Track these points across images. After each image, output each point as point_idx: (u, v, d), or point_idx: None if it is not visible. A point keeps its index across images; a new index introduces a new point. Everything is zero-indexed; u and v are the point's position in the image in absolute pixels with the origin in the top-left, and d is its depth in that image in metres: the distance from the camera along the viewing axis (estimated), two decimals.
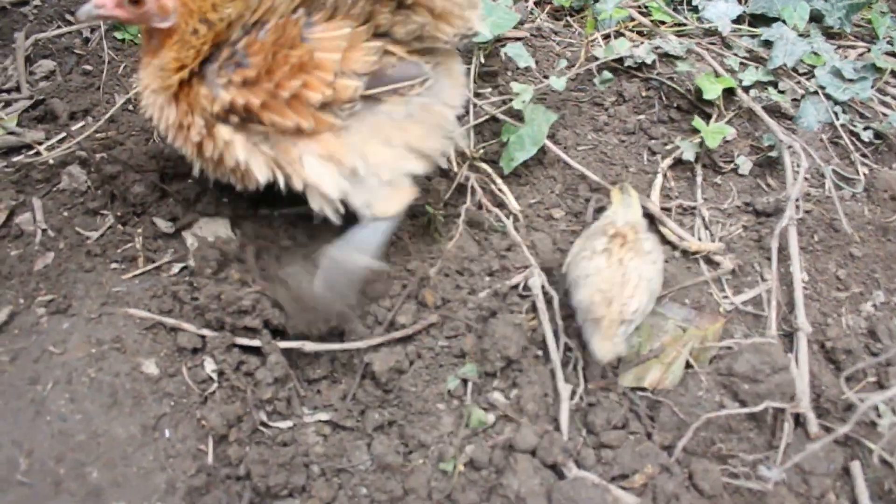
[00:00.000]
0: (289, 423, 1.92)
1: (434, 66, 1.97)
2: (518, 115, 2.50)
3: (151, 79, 1.92)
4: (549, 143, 2.53)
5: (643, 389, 2.03)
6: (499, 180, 2.47)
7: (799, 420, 1.99)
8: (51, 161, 2.38)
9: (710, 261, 2.35)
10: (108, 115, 2.53)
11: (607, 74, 2.75)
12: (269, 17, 1.84)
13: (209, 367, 1.96)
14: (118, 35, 2.93)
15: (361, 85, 1.84)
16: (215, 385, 1.94)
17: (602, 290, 1.95)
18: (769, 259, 2.33)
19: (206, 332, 1.99)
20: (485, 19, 2.07)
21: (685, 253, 2.36)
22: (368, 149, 1.91)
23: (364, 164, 1.90)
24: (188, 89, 1.88)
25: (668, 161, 2.59)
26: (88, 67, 2.79)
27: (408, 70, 1.91)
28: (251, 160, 1.89)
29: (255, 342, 1.98)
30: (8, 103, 2.61)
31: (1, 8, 2.94)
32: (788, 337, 2.18)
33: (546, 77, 2.74)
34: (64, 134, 2.48)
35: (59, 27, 2.94)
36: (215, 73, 1.85)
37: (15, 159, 2.42)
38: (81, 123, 2.56)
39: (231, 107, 1.83)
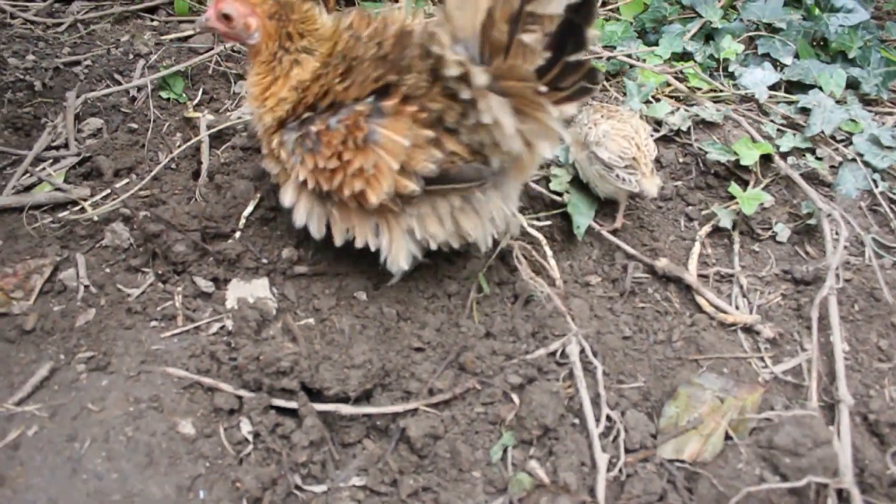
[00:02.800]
0: (323, 488, 1.90)
1: (500, 164, 2.02)
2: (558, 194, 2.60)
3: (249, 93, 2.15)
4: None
5: (681, 461, 1.99)
6: (547, 249, 2.48)
7: (842, 496, 1.94)
8: (95, 218, 2.43)
9: (748, 329, 2.33)
10: (152, 174, 2.58)
11: None
12: (344, 95, 1.97)
13: (245, 428, 1.96)
14: (163, 94, 3.01)
15: (419, 188, 1.95)
16: (251, 447, 1.94)
17: (627, 136, 2.38)
18: (808, 328, 2.30)
19: (243, 392, 2.00)
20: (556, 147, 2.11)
21: (722, 323, 2.33)
22: (425, 223, 2.07)
23: (419, 232, 2.08)
24: (273, 130, 2.10)
25: (707, 228, 2.59)
26: (134, 125, 2.87)
27: (467, 173, 1.99)
28: (309, 220, 2.13)
29: (292, 404, 1.98)
30: (56, 160, 2.68)
31: (55, 68, 3.04)
32: (829, 409, 2.14)
33: None
34: (108, 191, 2.53)
35: (107, 86, 3.04)
36: (292, 142, 2.04)
37: (61, 215, 2.47)
38: (126, 181, 2.61)
39: (303, 182, 2.04)
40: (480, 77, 1.78)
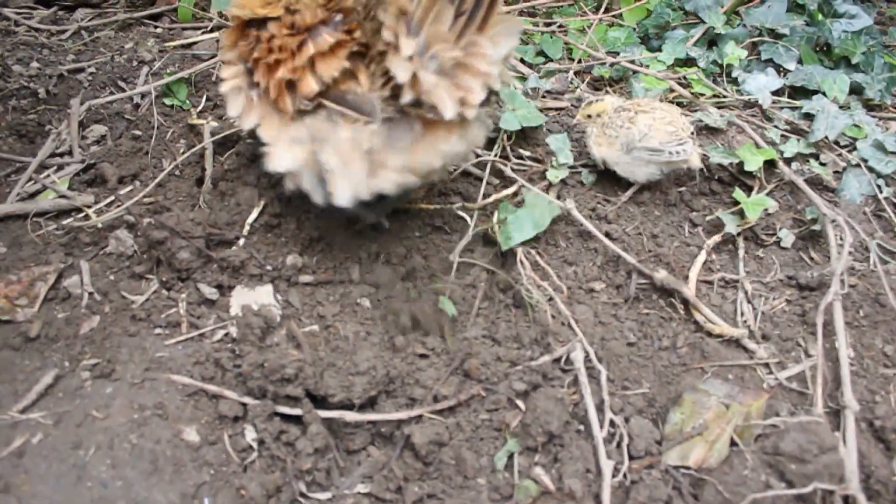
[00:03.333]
0: (328, 495, 1.90)
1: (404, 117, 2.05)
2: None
3: None
4: (586, 221, 2.53)
5: (686, 467, 1.99)
6: (551, 254, 2.48)
7: (848, 502, 1.93)
8: (99, 225, 2.43)
9: (752, 334, 2.33)
10: (156, 181, 2.59)
11: None
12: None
13: (250, 435, 1.96)
14: (167, 101, 3.02)
15: (317, 89, 2.01)
16: (255, 454, 1.94)
17: (669, 121, 2.57)
18: (813, 334, 2.29)
19: (247, 399, 2.00)
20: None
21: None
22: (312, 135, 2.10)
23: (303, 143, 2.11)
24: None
25: (714, 237, 2.60)
26: (138, 132, 2.87)
27: (361, 104, 2.02)
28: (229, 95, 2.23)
29: (297, 411, 1.98)
30: (60, 167, 2.68)
31: (59, 75, 3.05)
32: (835, 415, 2.13)
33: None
34: (112, 198, 2.54)
35: (111, 93, 3.04)
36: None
37: (65, 222, 2.47)
38: (130, 188, 2.62)
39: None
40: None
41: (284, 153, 2.10)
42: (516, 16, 2.24)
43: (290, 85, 2.04)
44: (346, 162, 2.04)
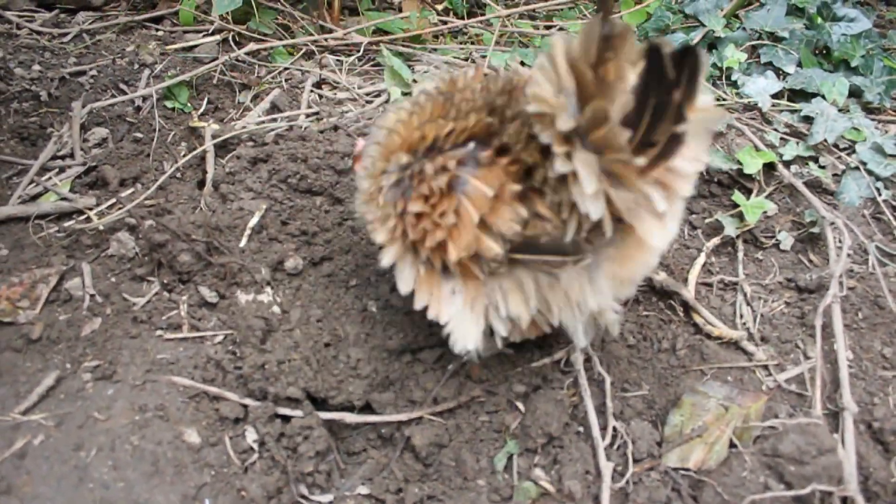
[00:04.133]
0: (329, 497, 1.91)
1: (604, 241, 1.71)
2: None
3: None
4: None
5: (686, 469, 2.00)
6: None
7: None
8: (101, 227, 2.44)
9: (751, 336, 2.34)
10: (157, 184, 2.60)
11: None
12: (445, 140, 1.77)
13: (250, 437, 1.97)
14: (168, 104, 3.03)
15: (502, 250, 1.70)
16: (256, 455, 1.95)
17: None
18: (812, 336, 2.30)
19: (248, 401, 2.01)
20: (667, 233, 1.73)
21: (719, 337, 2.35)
22: (508, 298, 1.80)
23: (502, 308, 1.81)
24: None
25: (713, 240, 2.61)
26: (139, 135, 2.88)
27: (559, 243, 1.70)
28: (400, 271, 1.87)
29: (297, 412, 1.98)
30: (62, 169, 2.69)
31: (60, 78, 3.06)
32: (833, 416, 2.13)
33: None
34: (114, 200, 2.55)
35: (112, 96, 3.05)
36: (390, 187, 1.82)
37: (66, 224, 2.49)
38: (131, 190, 2.63)
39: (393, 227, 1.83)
40: (566, 122, 1.50)
41: (470, 328, 1.82)
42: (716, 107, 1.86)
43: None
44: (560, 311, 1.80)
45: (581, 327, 1.84)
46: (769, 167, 2.77)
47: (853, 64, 3.29)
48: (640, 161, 1.50)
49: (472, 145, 1.73)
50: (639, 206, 1.57)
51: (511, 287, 1.77)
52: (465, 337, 1.80)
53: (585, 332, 1.85)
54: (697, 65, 1.39)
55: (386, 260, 1.85)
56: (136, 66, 3.25)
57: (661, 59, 1.37)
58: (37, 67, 3.14)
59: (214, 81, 3.20)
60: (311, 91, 3.20)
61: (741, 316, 2.40)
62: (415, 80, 3.15)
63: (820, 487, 1.90)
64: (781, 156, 2.81)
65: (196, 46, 3.42)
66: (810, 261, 2.58)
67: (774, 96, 3.13)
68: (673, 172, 1.58)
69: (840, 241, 2.51)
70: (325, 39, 3.51)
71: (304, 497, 1.91)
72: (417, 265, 1.82)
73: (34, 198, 2.59)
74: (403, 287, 1.85)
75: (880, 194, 2.73)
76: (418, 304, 1.84)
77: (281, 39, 3.51)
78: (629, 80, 1.47)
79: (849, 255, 2.51)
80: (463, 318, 1.80)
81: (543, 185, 1.66)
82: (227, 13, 3.45)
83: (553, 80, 1.50)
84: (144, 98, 3.03)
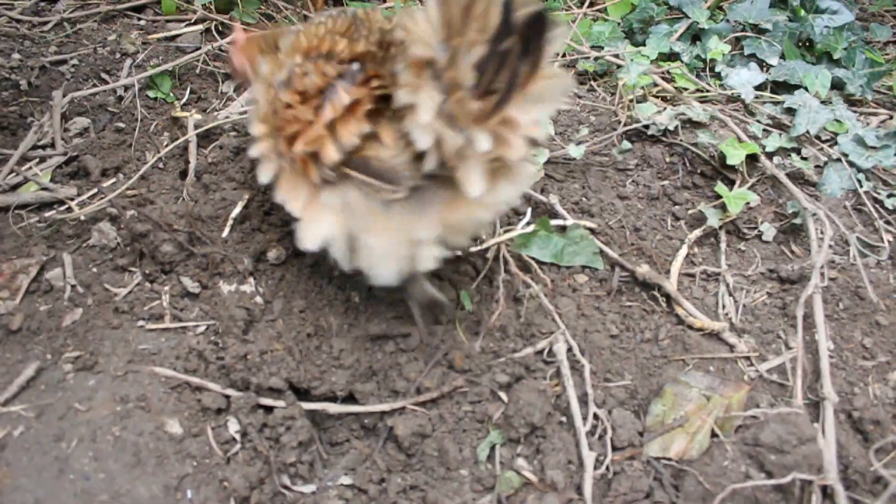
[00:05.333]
0: (311, 488, 1.91)
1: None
2: None
3: None
4: (569, 215, 2.55)
5: (668, 459, 2.01)
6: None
7: (827, 492, 1.95)
8: (82, 217, 2.42)
9: (733, 327, 2.35)
10: (139, 174, 2.58)
11: (626, 144, 2.80)
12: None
13: (233, 427, 1.96)
14: (150, 94, 3.01)
15: (338, 158, 1.80)
16: (238, 446, 1.94)
17: None
18: (794, 327, 2.31)
19: (230, 392, 2.00)
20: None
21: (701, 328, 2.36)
22: (336, 211, 1.91)
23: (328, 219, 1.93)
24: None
25: (696, 231, 2.62)
26: (121, 125, 2.86)
27: (388, 174, 1.79)
28: (264, 160, 2.02)
29: (280, 403, 1.98)
30: (43, 159, 2.67)
31: (41, 67, 3.03)
32: (814, 406, 2.15)
33: (570, 141, 2.79)
34: (95, 190, 2.52)
35: (94, 85, 3.02)
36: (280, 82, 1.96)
37: (47, 214, 2.46)
38: (113, 180, 2.61)
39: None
40: (421, 50, 1.62)
41: (316, 227, 1.92)
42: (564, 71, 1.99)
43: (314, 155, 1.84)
44: (377, 237, 1.87)
45: (394, 260, 1.92)
46: (752, 158, 2.78)
47: (836, 56, 3.32)
48: (477, 105, 1.61)
49: (356, 66, 1.86)
50: (465, 152, 1.68)
51: (337, 201, 1.88)
52: (307, 237, 1.92)
53: (399, 266, 1.93)
54: (544, 25, 1.52)
55: (254, 151, 2.01)
56: (118, 56, 3.22)
57: (510, 12, 1.48)
58: (16, 56, 3.11)
59: (197, 71, 3.17)
60: None
61: (723, 306, 2.41)
62: None
63: (800, 476, 1.91)
64: (764, 147, 2.82)
65: (179, 36, 3.39)
66: (792, 252, 2.60)
67: (757, 88, 3.15)
68: (509, 126, 1.67)
69: (822, 233, 2.52)
70: None
71: (286, 488, 1.90)
72: (281, 161, 1.96)
73: (14, 188, 2.56)
74: (263, 178, 2.01)
75: (862, 186, 2.75)
76: (278, 198, 1.98)
77: (264, 29, 3.48)
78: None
79: (830, 247, 2.53)
80: (310, 220, 1.93)
81: (394, 115, 1.77)
82: (210, 2, 3.43)
83: (426, 18, 1.62)
84: (126, 87, 3.01)
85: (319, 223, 1.91)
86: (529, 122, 1.70)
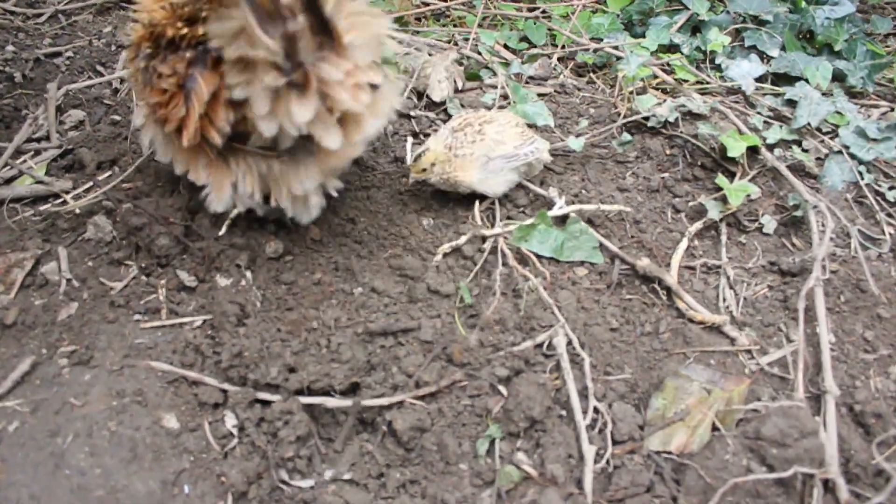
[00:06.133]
0: (310, 482, 1.89)
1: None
2: None
3: None
4: (568, 207, 2.54)
5: (668, 453, 1.99)
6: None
7: (828, 486, 1.94)
8: (77, 210, 2.40)
9: (734, 320, 2.33)
10: (135, 166, 2.56)
11: (626, 136, 2.78)
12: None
13: (230, 422, 1.94)
14: None
15: (220, 140, 2.00)
16: (235, 441, 1.93)
17: (515, 124, 2.56)
18: (795, 320, 2.30)
19: (227, 386, 1.98)
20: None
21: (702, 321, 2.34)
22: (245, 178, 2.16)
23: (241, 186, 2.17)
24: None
25: (697, 223, 2.60)
26: (117, 118, 2.84)
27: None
28: (156, 146, 2.23)
29: (277, 397, 1.96)
30: (38, 152, 2.65)
31: (35, 59, 3.00)
32: (815, 399, 2.14)
33: (570, 133, 2.77)
34: (91, 183, 2.51)
35: (89, 78, 3.01)
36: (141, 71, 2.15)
37: (42, 208, 2.44)
38: (108, 173, 2.58)
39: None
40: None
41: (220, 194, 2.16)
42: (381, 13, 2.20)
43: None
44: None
45: (291, 206, 2.20)
46: (753, 151, 2.77)
47: (837, 48, 3.30)
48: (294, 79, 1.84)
49: (202, 48, 1.97)
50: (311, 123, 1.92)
51: (246, 169, 2.12)
52: (215, 201, 2.16)
53: (297, 212, 2.22)
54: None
55: (145, 138, 2.25)
56: (113, 48, 3.20)
57: None
58: (11, 48, 3.09)
59: None
60: None
61: (724, 299, 2.39)
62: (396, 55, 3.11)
63: (802, 470, 1.90)
64: (765, 139, 2.81)
65: None
66: (793, 244, 2.58)
67: (758, 80, 3.13)
68: (333, 86, 1.90)
69: (823, 225, 2.51)
70: None
71: (284, 482, 1.89)
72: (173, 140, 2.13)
73: (9, 181, 2.54)
74: (163, 157, 2.22)
75: (863, 178, 2.73)
76: (178, 171, 2.20)
77: None
78: None
79: (831, 239, 2.51)
80: (213, 186, 2.15)
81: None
82: None
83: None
84: (122, 80, 2.99)
85: (222, 189, 2.14)
86: (359, 70, 1.94)
